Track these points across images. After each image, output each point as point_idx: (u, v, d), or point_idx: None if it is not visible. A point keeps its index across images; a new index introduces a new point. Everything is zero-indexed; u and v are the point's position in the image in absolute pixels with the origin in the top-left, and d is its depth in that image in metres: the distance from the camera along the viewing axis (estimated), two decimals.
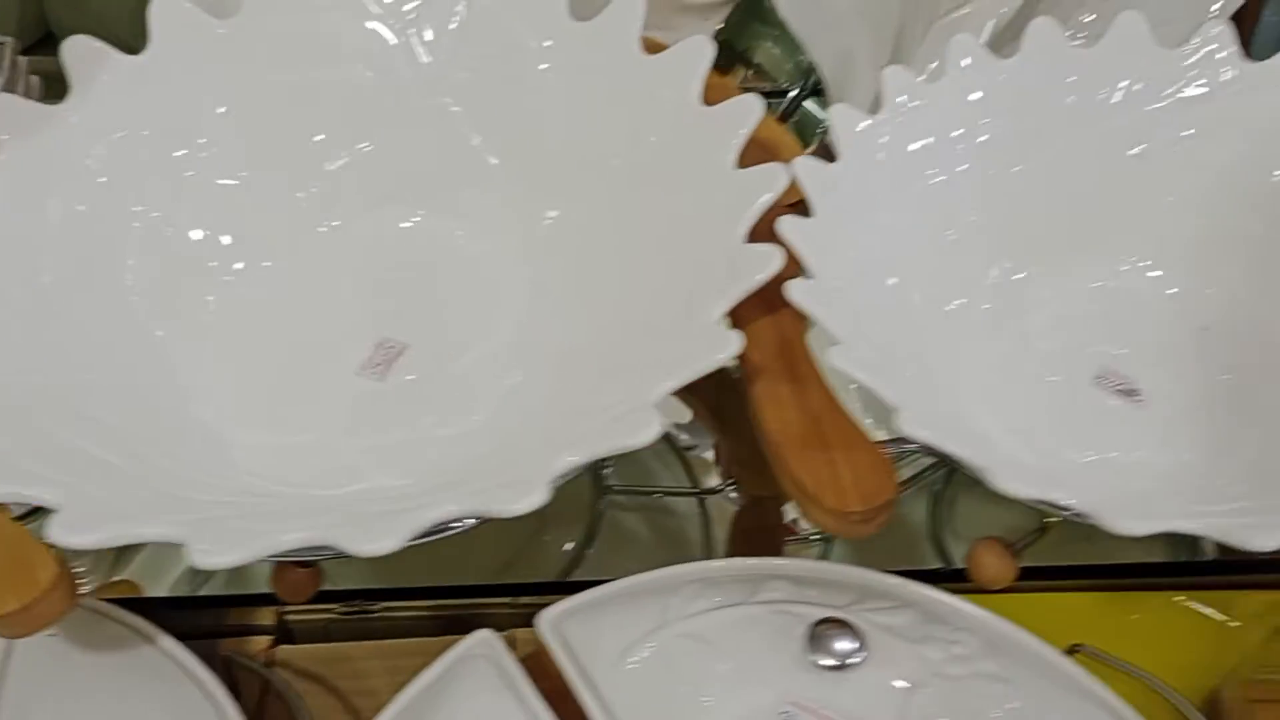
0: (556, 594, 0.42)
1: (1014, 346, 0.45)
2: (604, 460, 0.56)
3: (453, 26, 0.50)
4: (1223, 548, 0.51)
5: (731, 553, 0.58)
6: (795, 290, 0.39)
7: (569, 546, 0.56)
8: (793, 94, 0.63)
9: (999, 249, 0.47)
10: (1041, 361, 0.45)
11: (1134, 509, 0.34)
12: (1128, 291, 0.47)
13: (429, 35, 0.50)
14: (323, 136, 0.50)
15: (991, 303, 0.46)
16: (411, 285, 0.50)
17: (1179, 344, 0.45)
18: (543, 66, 0.48)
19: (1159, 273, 0.47)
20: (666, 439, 0.61)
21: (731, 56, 0.74)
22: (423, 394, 0.46)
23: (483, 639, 0.41)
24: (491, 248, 0.50)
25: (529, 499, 0.33)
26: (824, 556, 0.58)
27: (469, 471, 0.41)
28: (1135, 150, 0.47)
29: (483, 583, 0.52)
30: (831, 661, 0.37)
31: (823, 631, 0.38)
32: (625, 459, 0.59)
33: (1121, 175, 0.47)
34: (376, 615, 0.49)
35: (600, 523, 0.56)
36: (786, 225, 0.41)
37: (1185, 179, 0.46)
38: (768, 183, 0.42)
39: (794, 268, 0.41)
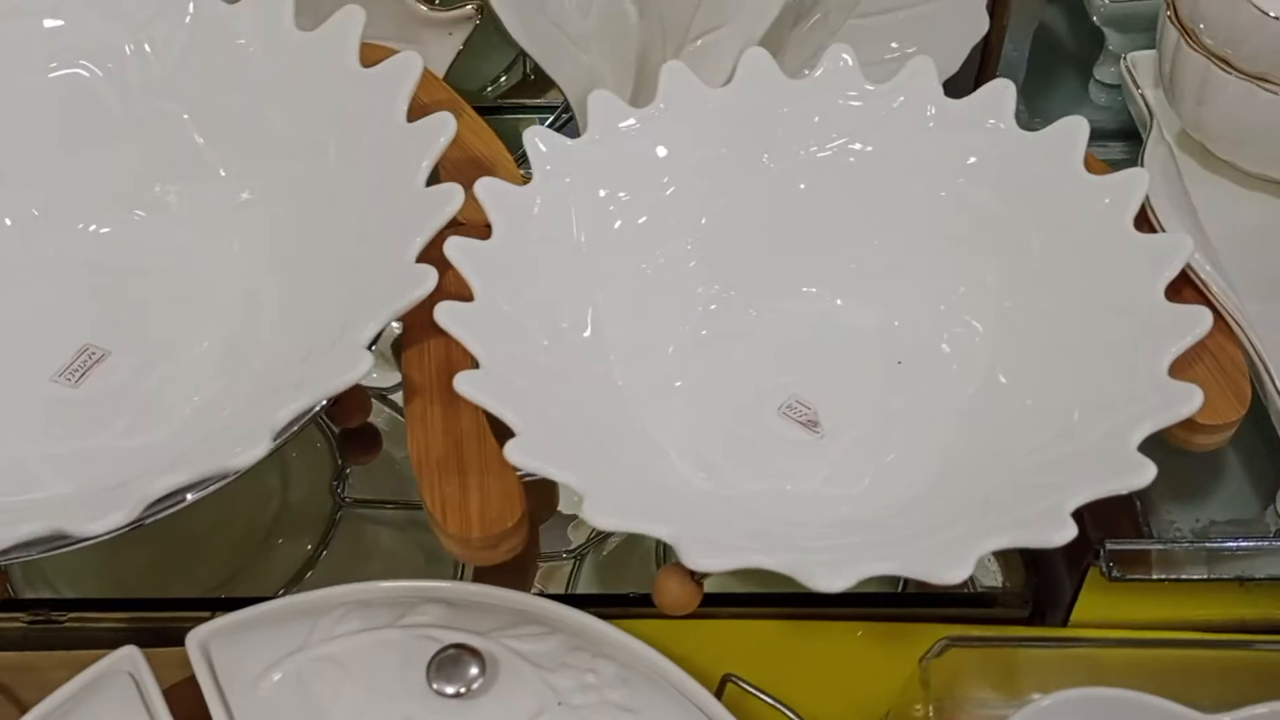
0: None
1: (709, 374, 0.46)
2: (341, 471, 0.57)
3: (182, 33, 0.51)
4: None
5: (479, 570, 0.58)
6: (442, 314, 0.39)
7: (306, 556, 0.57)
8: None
9: (702, 279, 0.47)
10: (733, 391, 0.45)
11: (728, 542, 0.34)
12: (829, 324, 0.47)
13: (158, 40, 0.50)
14: (49, 139, 0.50)
15: (691, 330, 0.46)
16: (125, 290, 0.50)
17: (870, 377, 0.45)
18: (264, 73, 0.49)
19: (861, 306, 0.47)
20: None
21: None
22: (115, 402, 0.47)
23: (126, 655, 0.40)
24: (210, 252, 0.50)
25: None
26: (572, 578, 0.59)
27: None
28: (842, 183, 0.47)
29: (196, 595, 0.52)
30: (451, 689, 0.37)
31: (446, 658, 0.37)
32: (371, 471, 0.59)
33: (827, 208, 0.47)
34: (71, 625, 0.49)
35: (333, 535, 0.56)
36: (454, 248, 0.42)
37: (888, 213, 0.46)
38: (444, 202, 0.43)
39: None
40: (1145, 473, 0.34)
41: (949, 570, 0.31)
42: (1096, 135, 0.59)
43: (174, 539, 0.56)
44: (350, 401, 0.54)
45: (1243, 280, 0.44)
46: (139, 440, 0.45)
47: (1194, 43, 0.44)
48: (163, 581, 0.53)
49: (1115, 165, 0.54)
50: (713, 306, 0.47)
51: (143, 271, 0.50)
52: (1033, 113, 0.59)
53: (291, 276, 0.48)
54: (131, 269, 0.50)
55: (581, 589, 0.54)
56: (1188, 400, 0.35)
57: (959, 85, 0.57)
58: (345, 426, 0.55)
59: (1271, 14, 0.40)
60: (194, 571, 0.54)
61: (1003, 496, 0.36)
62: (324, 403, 0.39)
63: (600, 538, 0.56)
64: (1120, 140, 0.57)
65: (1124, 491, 0.34)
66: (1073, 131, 0.43)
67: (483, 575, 0.55)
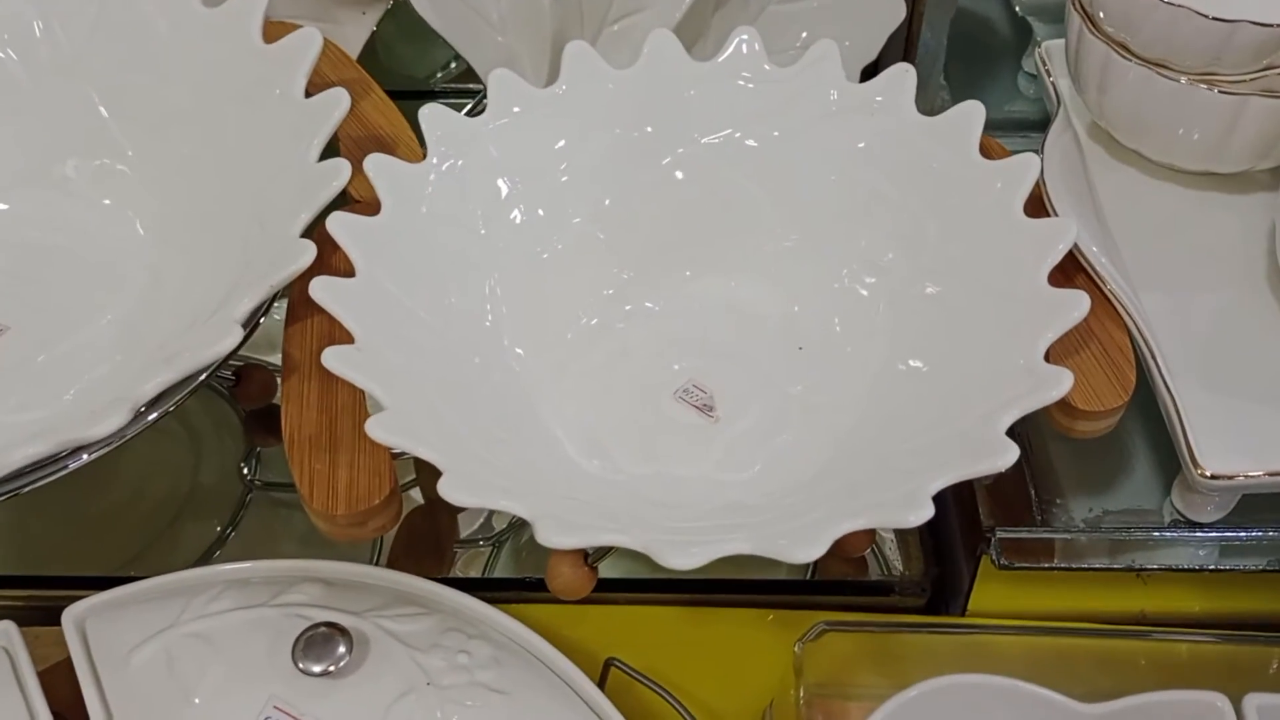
0: None
1: (606, 359, 0.45)
2: (252, 452, 0.57)
3: (91, 10, 0.50)
4: (820, 566, 0.51)
5: (393, 552, 0.58)
6: (316, 288, 0.39)
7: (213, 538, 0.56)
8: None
9: (601, 263, 0.46)
10: (630, 375, 0.45)
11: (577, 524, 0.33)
12: (730, 308, 0.46)
13: (68, 18, 0.50)
14: None
15: (589, 315, 0.46)
16: (27, 266, 0.49)
17: (770, 362, 0.45)
18: (170, 50, 0.48)
19: (762, 291, 0.46)
20: None
21: None
22: (9, 378, 0.46)
23: (1, 630, 0.40)
24: (113, 229, 0.50)
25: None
26: (490, 562, 0.58)
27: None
28: (744, 167, 0.46)
29: (91, 574, 0.52)
30: (317, 668, 0.37)
31: (315, 637, 0.37)
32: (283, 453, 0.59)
33: (728, 192, 0.47)
34: None
35: (242, 517, 0.56)
36: (336, 222, 0.41)
37: (789, 198, 0.46)
38: (331, 177, 0.42)
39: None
40: (1007, 455, 0.33)
41: (799, 550, 0.31)
42: (1021, 126, 0.60)
43: (81, 517, 0.55)
44: (255, 382, 0.54)
45: (1140, 270, 0.43)
46: (28, 415, 0.45)
47: (1095, 29, 0.44)
48: (65, 559, 0.53)
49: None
50: (610, 291, 0.46)
51: (46, 247, 0.50)
52: (957, 99, 0.59)
53: (190, 253, 0.48)
54: (34, 245, 0.50)
55: (499, 575, 0.55)
56: (1057, 384, 0.35)
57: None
58: (252, 408, 0.55)
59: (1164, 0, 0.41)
60: (99, 549, 0.54)
61: (871, 480, 0.36)
62: (201, 377, 0.38)
63: (520, 523, 0.55)
64: (1044, 131, 0.57)
65: (987, 474, 0.33)
66: (969, 116, 0.43)
67: (397, 559, 0.55)
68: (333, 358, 0.36)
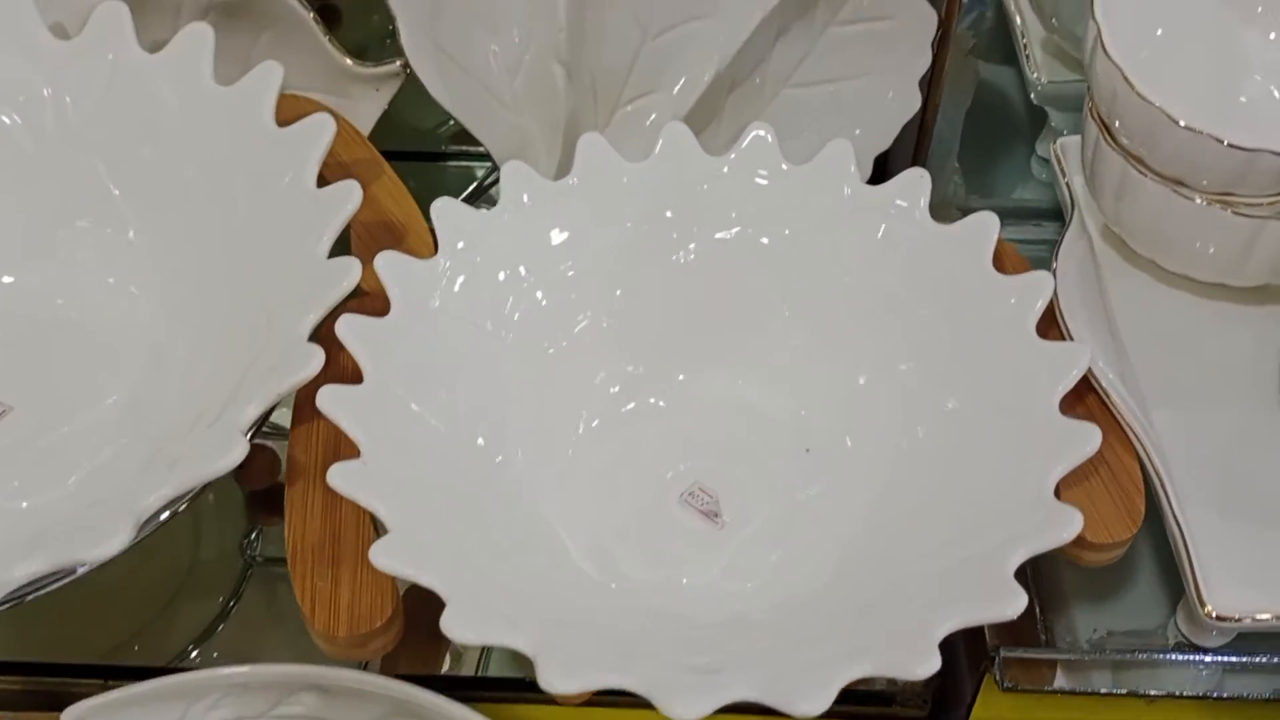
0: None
1: (612, 458, 0.45)
2: (251, 530, 0.57)
3: (100, 81, 0.50)
4: None
5: None
6: (323, 400, 0.39)
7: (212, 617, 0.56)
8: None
9: (609, 359, 0.46)
10: (636, 476, 0.44)
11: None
12: (738, 408, 0.46)
13: (76, 86, 0.50)
14: None
15: (595, 413, 0.45)
16: (31, 341, 0.49)
17: (777, 465, 0.44)
18: (180, 126, 0.48)
19: (771, 391, 0.46)
20: None
21: None
22: (10, 460, 0.46)
23: None
24: (119, 304, 0.49)
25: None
26: (483, 658, 0.57)
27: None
28: (755, 265, 0.46)
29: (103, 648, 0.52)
30: None
31: None
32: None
33: (739, 290, 0.46)
34: None
35: (244, 594, 0.55)
36: (345, 327, 0.41)
37: (801, 297, 0.46)
38: (340, 276, 0.42)
39: None
40: (1016, 603, 0.33)
41: (805, 701, 0.31)
42: (1034, 214, 0.59)
43: (80, 594, 0.55)
44: (258, 464, 0.54)
45: (1151, 385, 0.43)
46: (30, 501, 0.45)
47: (1111, 140, 0.43)
48: (64, 638, 0.53)
49: (1050, 250, 0.54)
50: (616, 388, 0.46)
51: (49, 323, 0.50)
52: (972, 187, 0.59)
53: (196, 336, 0.48)
54: (38, 320, 0.50)
55: (493, 670, 0.53)
56: (1067, 524, 0.34)
57: (897, 160, 0.56)
58: (255, 488, 0.55)
59: (1182, 122, 0.40)
60: (99, 627, 0.53)
61: (879, 608, 0.36)
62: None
63: None
64: (1057, 220, 0.56)
65: (994, 620, 0.33)
66: (984, 227, 0.43)
67: (391, 653, 0.55)
68: (339, 477, 0.36)
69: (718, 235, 0.47)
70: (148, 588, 0.56)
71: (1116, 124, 0.43)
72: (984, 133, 0.60)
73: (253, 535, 0.56)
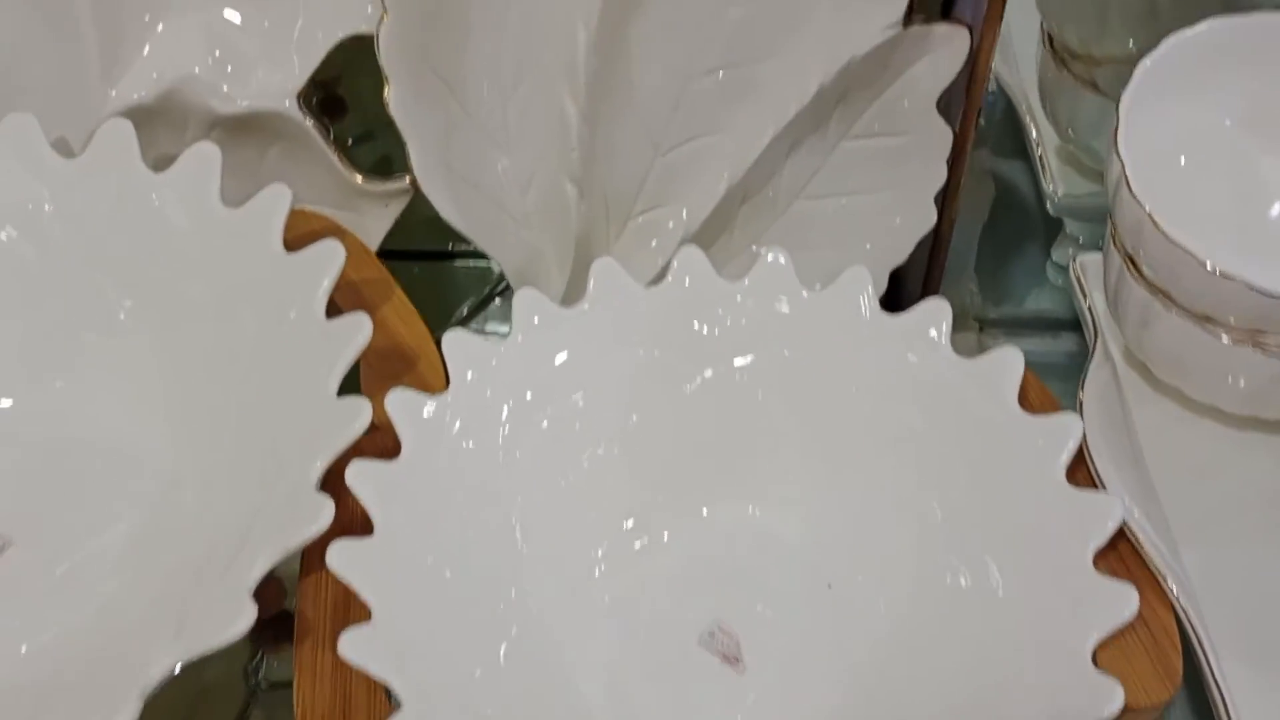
0: None
1: (628, 597, 0.43)
2: (254, 657, 0.55)
3: (107, 199, 0.49)
4: None
5: None
6: (333, 558, 0.38)
7: None
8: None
9: (624, 490, 0.45)
10: (654, 615, 0.43)
11: None
12: (757, 540, 0.45)
13: (81, 203, 0.49)
14: None
15: (611, 547, 0.44)
16: (34, 467, 0.48)
17: (798, 602, 0.43)
18: (187, 246, 0.47)
19: (791, 522, 0.45)
20: None
21: None
22: (10, 599, 0.45)
23: None
24: (127, 428, 0.48)
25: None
26: None
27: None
28: (772, 392, 0.45)
29: None
30: None
31: None
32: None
33: (758, 416, 0.45)
34: None
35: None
36: (355, 476, 0.40)
37: (818, 426, 0.45)
38: (351, 418, 0.41)
39: None
40: None
41: None
42: (1051, 325, 0.59)
43: None
44: (263, 593, 0.52)
45: (1181, 521, 0.42)
46: (29, 645, 0.43)
47: (1135, 272, 0.43)
48: None
49: (1069, 360, 0.54)
50: (631, 522, 0.45)
51: (53, 447, 0.48)
52: (987, 295, 0.58)
53: (203, 461, 0.46)
54: (42, 443, 0.48)
55: None
56: (1108, 700, 0.33)
57: (910, 270, 0.55)
58: (261, 618, 0.53)
59: (1209, 264, 0.39)
60: None
61: None
62: None
63: None
64: (1074, 331, 0.56)
65: None
66: (1008, 365, 0.41)
67: None
68: (349, 648, 0.34)
69: (733, 362, 0.46)
70: (149, 717, 0.55)
71: (1140, 256, 0.42)
72: (997, 236, 0.59)
73: (257, 659, 0.55)
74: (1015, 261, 0.59)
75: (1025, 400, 0.43)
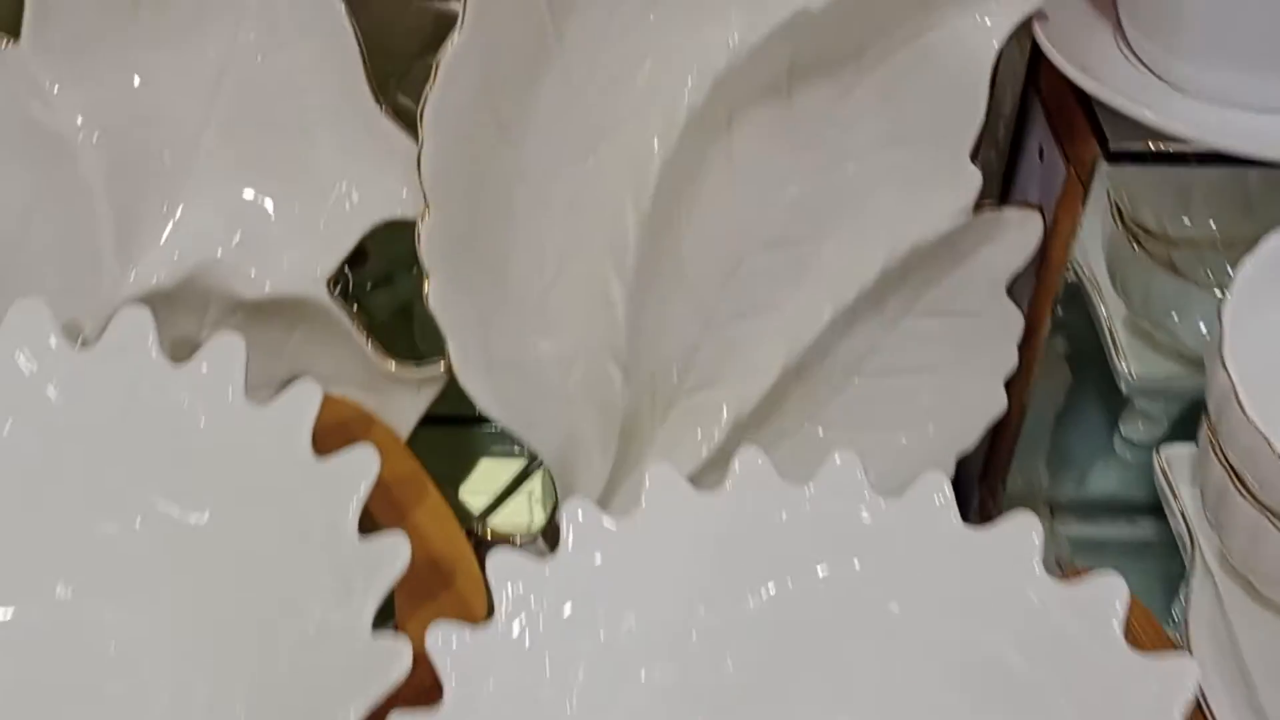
0: None
1: None
2: None
3: (119, 395, 0.45)
4: None
5: None
6: None
7: None
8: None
9: (682, 713, 0.41)
10: None
11: None
12: None
13: (91, 390, 0.45)
14: None
15: None
16: (33, 689, 0.44)
17: None
18: (208, 446, 0.44)
19: None
20: None
21: None
22: None
23: None
24: (138, 642, 0.43)
25: None
26: None
27: None
28: (845, 609, 0.41)
29: None
30: None
31: None
32: None
33: (827, 636, 0.41)
34: None
35: None
36: None
37: (893, 650, 0.40)
38: (389, 662, 0.37)
39: None
40: None
41: None
42: (1125, 508, 0.55)
43: None
44: None
45: None
46: None
47: (1243, 490, 0.39)
48: None
49: (1146, 548, 0.50)
50: None
51: (53, 668, 0.43)
52: (1053, 472, 0.55)
53: (221, 694, 0.43)
54: (42, 656, 0.44)
55: None
56: None
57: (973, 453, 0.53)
58: None
59: None
60: None
61: None
62: None
63: None
64: (1150, 514, 0.52)
65: None
66: (1111, 591, 0.37)
67: None
68: None
69: (799, 574, 0.42)
70: None
71: (1249, 476, 0.39)
72: (1065, 416, 0.56)
73: None
74: (1082, 437, 0.56)
75: (1129, 628, 0.39)
